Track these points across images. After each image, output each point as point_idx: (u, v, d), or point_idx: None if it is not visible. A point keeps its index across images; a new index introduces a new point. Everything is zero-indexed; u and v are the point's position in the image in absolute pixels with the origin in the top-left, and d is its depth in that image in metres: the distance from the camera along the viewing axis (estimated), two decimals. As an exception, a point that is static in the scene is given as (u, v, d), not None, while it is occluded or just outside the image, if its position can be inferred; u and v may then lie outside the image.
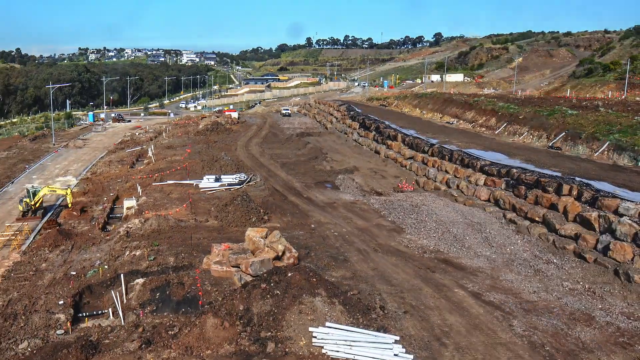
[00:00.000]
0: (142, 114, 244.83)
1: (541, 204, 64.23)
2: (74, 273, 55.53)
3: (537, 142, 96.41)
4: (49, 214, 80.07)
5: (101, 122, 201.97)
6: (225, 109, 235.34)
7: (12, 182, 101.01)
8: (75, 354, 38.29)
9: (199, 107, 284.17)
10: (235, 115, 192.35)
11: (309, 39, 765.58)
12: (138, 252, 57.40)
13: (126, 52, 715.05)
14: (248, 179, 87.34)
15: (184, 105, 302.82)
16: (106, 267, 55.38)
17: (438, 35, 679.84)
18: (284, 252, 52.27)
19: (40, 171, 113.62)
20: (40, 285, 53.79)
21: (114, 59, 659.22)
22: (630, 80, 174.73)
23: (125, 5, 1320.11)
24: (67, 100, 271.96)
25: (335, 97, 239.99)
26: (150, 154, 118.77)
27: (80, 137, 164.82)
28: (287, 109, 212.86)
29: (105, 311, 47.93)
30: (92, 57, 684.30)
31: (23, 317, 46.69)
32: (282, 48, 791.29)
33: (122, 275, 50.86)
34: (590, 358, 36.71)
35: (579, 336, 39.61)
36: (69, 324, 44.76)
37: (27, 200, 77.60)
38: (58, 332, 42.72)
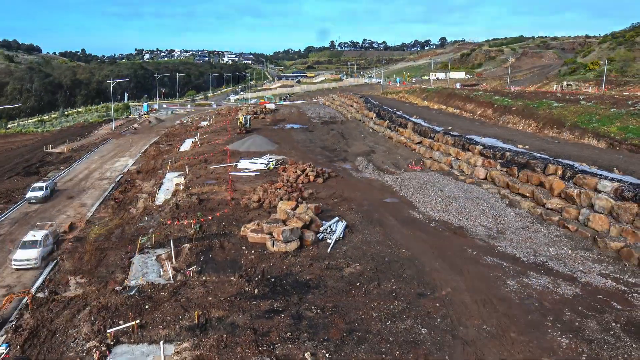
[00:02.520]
0: (189, 105, 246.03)
1: (530, 182, 63.81)
2: (130, 239, 56.00)
3: (528, 129, 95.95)
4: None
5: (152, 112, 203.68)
6: (262, 101, 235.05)
7: (77, 162, 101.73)
8: (132, 307, 38.73)
9: (238, 99, 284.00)
10: (269, 106, 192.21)
11: (332, 42, 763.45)
12: (185, 222, 57.59)
13: (176, 53, 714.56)
14: (280, 161, 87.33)
15: (231, 98, 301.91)
16: (158, 233, 55.67)
17: (443, 39, 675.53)
18: (310, 222, 52.40)
19: (102, 152, 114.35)
20: (105, 248, 54.34)
21: (165, 58, 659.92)
22: (608, 78, 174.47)
23: (176, 13, 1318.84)
24: (125, 93, 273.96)
25: (356, 91, 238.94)
26: (196, 138, 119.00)
27: (136, 124, 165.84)
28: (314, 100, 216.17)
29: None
30: (146, 56, 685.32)
31: (89, 275, 47.34)
32: (310, 49, 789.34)
33: (171, 240, 51.07)
34: (573, 311, 36.63)
35: (563, 293, 39.46)
36: (126, 282, 45.07)
37: None
38: (117, 288, 42.97)
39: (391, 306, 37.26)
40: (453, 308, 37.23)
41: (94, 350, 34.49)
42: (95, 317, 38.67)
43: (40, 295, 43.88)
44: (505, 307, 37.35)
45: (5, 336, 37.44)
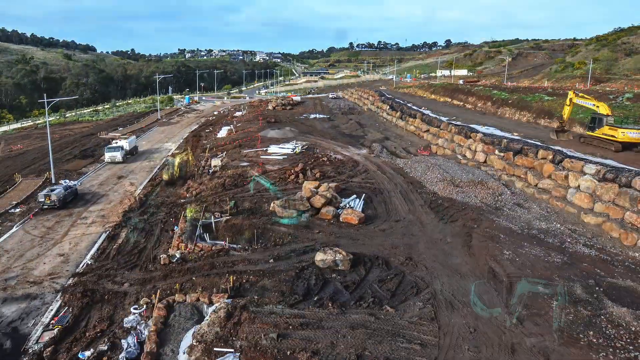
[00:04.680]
0: (225, 97, 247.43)
1: (524, 165, 63.59)
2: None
3: (522, 119, 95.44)
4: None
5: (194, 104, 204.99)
6: (289, 94, 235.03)
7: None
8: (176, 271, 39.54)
9: (267, 92, 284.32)
10: (296, 98, 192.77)
11: (351, 44, 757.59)
12: (222, 199, 57.93)
13: (214, 52, 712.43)
14: (305, 146, 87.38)
15: (262, 91, 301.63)
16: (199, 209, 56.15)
17: (448, 41, 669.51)
18: (332, 199, 52.66)
19: (149, 137, 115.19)
20: (157, 220, 55.14)
21: (205, 57, 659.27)
22: (593, 75, 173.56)
23: (214, 19, 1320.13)
24: (170, 87, 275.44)
25: (371, 86, 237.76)
26: (231, 126, 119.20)
27: (179, 114, 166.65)
28: (334, 94, 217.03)
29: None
30: (188, 55, 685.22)
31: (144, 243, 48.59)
32: (331, 50, 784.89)
33: (212, 216, 51.35)
34: (562, 275, 36.82)
35: (553, 260, 39.49)
36: (171, 250, 45.57)
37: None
38: (161, 256, 43.51)
39: (400, 276, 37.56)
40: (459, 273, 37.64)
41: (142, 309, 35.12)
42: (143, 279, 39.45)
43: (90, 262, 44.67)
44: (504, 272, 37.51)
45: (62, 297, 38.06)
